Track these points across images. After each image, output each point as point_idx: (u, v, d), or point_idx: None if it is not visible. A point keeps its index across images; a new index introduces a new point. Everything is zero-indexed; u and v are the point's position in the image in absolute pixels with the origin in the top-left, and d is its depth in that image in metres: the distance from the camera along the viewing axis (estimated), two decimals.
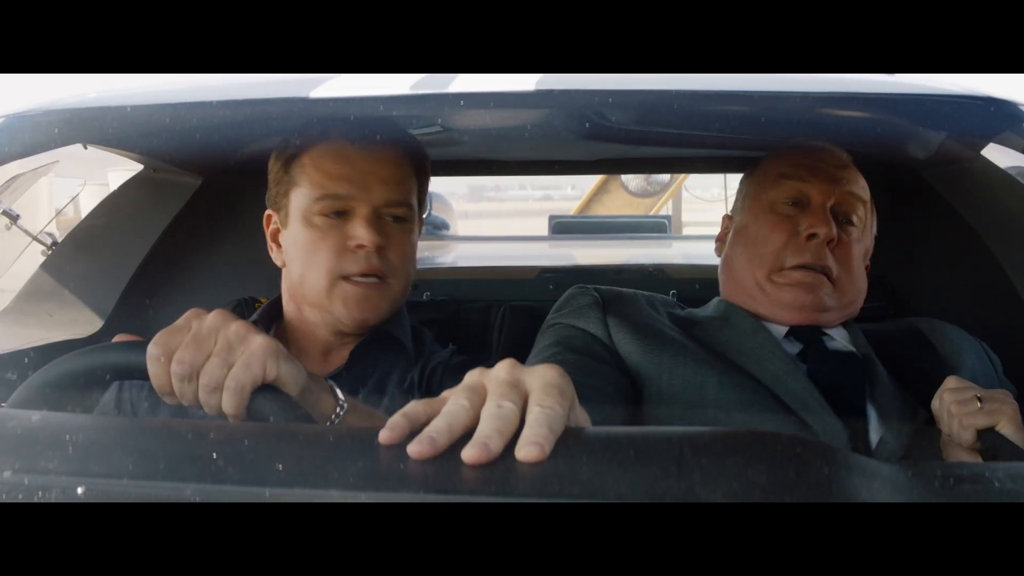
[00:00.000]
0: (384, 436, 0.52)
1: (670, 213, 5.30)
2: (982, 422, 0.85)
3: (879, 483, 0.49)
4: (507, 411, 0.53)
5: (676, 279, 1.66)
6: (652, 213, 5.19)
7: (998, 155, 1.25)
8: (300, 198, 1.04)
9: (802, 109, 0.91)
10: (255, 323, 1.07)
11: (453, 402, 0.54)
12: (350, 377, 1.04)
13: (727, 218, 1.19)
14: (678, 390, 0.99)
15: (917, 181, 1.46)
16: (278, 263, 1.09)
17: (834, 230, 1.04)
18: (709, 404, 0.97)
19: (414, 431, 0.52)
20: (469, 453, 0.49)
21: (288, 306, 1.09)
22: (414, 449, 0.49)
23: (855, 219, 1.08)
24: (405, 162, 1.08)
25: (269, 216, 1.09)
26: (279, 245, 1.08)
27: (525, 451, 0.50)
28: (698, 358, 1.01)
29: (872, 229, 1.13)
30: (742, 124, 1.13)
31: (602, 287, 1.13)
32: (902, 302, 1.51)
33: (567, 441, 0.54)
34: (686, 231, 5.37)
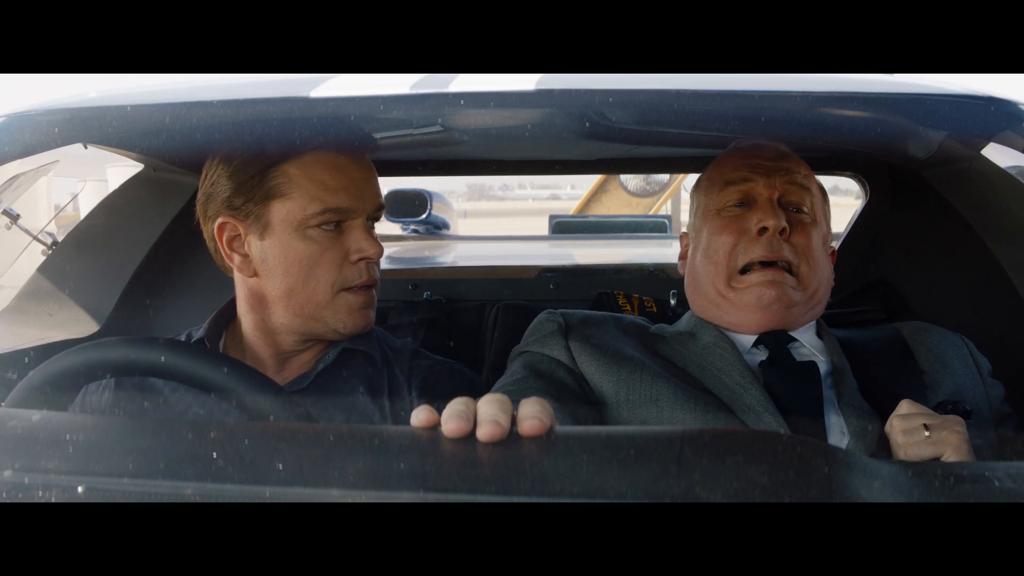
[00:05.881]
0: (451, 428, 0.56)
1: (669, 213, 5.30)
2: (927, 453, 0.85)
3: (879, 483, 0.49)
4: (501, 397, 0.59)
5: (676, 279, 1.66)
6: (651, 213, 5.19)
7: (998, 155, 1.25)
8: (289, 210, 1.01)
9: (802, 109, 0.91)
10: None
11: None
12: (319, 384, 1.04)
13: (684, 236, 1.20)
14: (635, 405, 1.00)
15: (917, 181, 1.46)
16: (242, 272, 1.05)
17: (783, 220, 1.04)
18: (664, 419, 0.98)
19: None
20: (483, 431, 0.55)
21: (248, 315, 1.07)
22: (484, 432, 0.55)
23: (805, 207, 1.08)
24: (372, 163, 1.08)
25: (223, 224, 1.04)
26: (242, 254, 1.04)
27: (528, 424, 0.55)
28: (654, 373, 1.02)
29: (827, 215, 1.13)
30: (742, 124, 1.13)
31: (569, 311, 1.14)
32: (901, 302, 1.51)
33: (567, 441, 0.54)
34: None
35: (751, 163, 1.09)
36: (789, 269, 1.05)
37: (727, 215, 1.08)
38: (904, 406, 0.90)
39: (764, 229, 1.04)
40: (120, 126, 1.00)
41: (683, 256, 1.20)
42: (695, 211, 1.16)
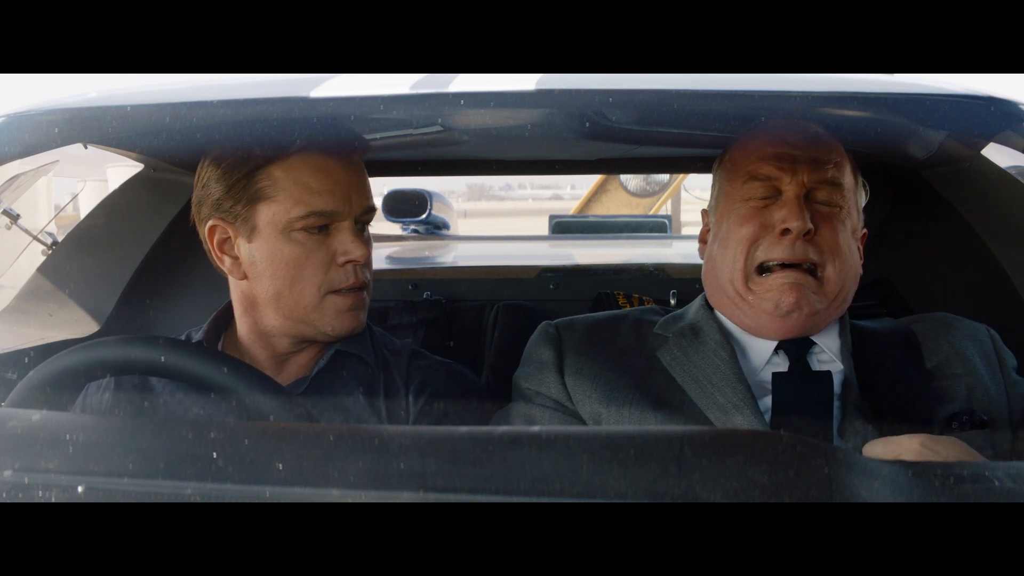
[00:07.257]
0: None
1: (669, 213, 5.30)
2: None
3: (879, 483, 0.49)
4: None
5: (676, 279, 1.66)
6: (651, 213, 5.20)
7: (998, 155, 1.25)
8: (275, 213, 1.01)
9: (802, 109, 0.91)
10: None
11: None
12: (315, 388, 1.04)
13: (705, 213, 1.14)
14: None
15: (917, 181, 1.46)
16: (233, 275, 1.05)
17: (809, 222, 0.98)
18: None
19: None
20: None
21: (243, 317, 1.07)
22: None
23: (835, 199, 1.01)
24: (363, 164, 1.07)
25: (214, 227, 1.04)
26: (232, 256, 1.05)
27: None
28: (643, 406, 0.99)
29: (858, 202, 1.06)
30: (742, 124, 1.13)
31: (566, 323, 1.11)
32: (901, 301, 1.51)
33: (567, 441, 0.54)
34: (685, 231, 5.37)
35: (778, 153, 1.02)
36: (813, 271, 0.99)
37: (750, 206, 1.02)
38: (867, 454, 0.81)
39: (787, 230, 0.98)
40: (120, 126, 1.00)
41: (703, 239, 1.13)
42: (716, 194, 1.10)
